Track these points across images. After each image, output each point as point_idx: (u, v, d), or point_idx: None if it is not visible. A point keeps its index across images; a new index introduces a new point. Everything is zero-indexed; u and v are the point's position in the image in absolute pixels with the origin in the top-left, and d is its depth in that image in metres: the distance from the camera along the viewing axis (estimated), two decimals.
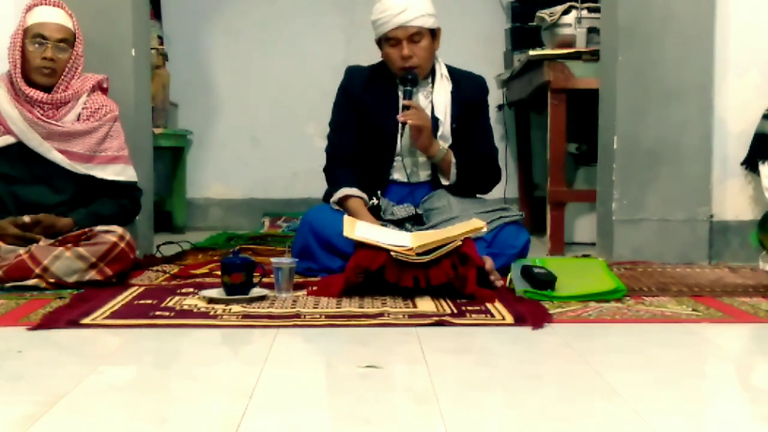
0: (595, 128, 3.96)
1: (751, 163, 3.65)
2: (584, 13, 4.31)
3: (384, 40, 3.29)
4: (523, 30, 5.08)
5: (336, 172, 3.33)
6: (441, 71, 3.37)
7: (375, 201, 3.26)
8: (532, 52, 4.33)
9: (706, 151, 3.71)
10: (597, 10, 4.18)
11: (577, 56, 4.19)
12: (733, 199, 3.76)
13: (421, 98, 3.34)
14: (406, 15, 3.21)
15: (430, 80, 3.36)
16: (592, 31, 4.26)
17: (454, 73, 3.41)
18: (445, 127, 3.31)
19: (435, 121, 3.29)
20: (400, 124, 3.21)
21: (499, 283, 2.92)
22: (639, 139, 3.70)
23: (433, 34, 3.30)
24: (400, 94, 3.30)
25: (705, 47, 3.69)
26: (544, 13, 4.49)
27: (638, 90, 3.69)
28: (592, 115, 4.01)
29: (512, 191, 5.26)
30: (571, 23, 4.33)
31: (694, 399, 1.85)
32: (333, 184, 3.31)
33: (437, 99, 3.33)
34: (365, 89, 3.37)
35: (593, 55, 4.11)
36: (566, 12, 4.35)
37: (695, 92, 3.69)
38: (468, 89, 3.40)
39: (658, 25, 3.68)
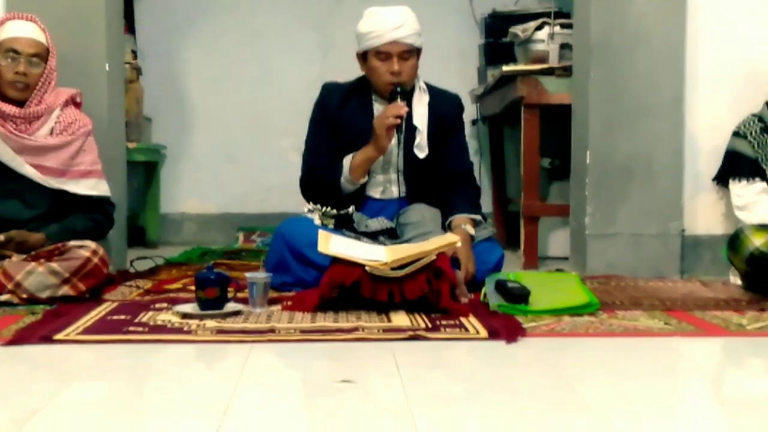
0: (568, 143, 3.98)
1: (722, 180, 3.67)
2: (557, 29, 4.35)
3: (373, 54, 3.28)
4: (497, 45, 5.12)
5: (320, 171, 3.32)
6: (419, 85, 3.39)
7: (352, 209, 3.26)
8: (505, 68, 4.36)
9: (678, 167, 3.75)
10: (569, 26, 4.22)
11: (549, 72, 4.22)
12: (704, 214, 3.79)
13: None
14: (401, 31, 3.22)
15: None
16: (565, 47, 4.30)
17: (430, 89, 3.42)
18: (422, 137, 3.32)
19: (413, 130, 3.30)
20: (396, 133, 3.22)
21: (464, 299, 2.88)
22: (611, 154, 3.73)
23: (418, 53, 3.32)
24: (375, 111, 3.30)
25: (676, 64, 3.73)
26: (517, 29, 4.53)
27: (610, 106, 3.72)
28: (565, 130, 4.04)
29: (486, 205, 5.26)
30: (544, 39, 4.37)
31: (667, 412, 1.86)
32: (328, 176, 3.29)
33: (416, 110, 3.32)
34: (341, 105, 3.37)
35: (566, 71, 4.14)
36: (539, 28, 4.40)
37: (667, 108, 3.73)
38: (443, 106, 3.42)
39: (629, 42, 3.72)
